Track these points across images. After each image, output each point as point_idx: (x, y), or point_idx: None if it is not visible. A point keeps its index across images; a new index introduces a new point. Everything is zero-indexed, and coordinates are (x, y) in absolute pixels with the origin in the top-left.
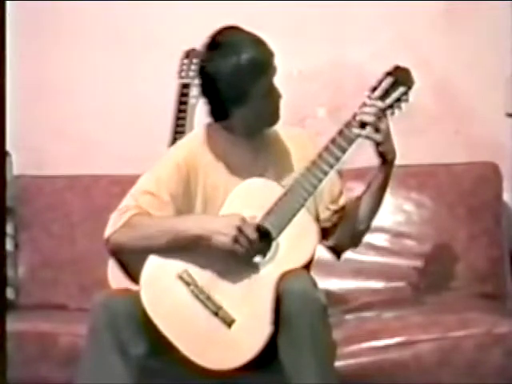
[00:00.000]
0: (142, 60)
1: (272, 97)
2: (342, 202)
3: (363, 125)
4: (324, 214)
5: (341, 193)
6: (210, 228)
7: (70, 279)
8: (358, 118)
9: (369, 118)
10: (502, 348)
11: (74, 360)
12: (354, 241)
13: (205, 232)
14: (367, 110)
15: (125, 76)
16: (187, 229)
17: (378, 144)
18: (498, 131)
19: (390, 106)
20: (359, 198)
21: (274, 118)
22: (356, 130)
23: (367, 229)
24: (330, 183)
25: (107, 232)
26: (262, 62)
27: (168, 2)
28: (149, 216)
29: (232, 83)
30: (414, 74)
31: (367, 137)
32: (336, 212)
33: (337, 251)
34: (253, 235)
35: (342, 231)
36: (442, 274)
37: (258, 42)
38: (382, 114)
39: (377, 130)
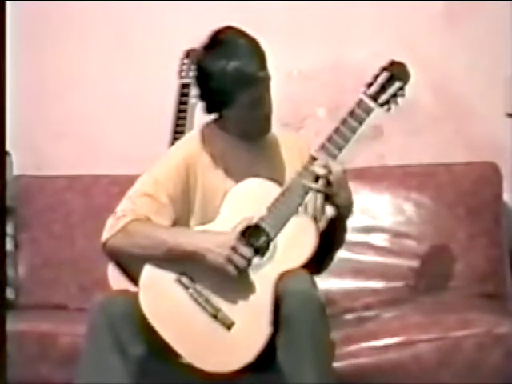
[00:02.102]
0: (142, 60)
1: (258, 109)
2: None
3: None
4: None
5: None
6: (204, 246)
7: (69, 279)
8: (311, 169)
9: (321, 171)
10: (502, 348)
11: (73, 360)
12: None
13: (198, 250)
14: (319, 162)
15: (125, 76)
16: (181, 245)
17: (329, 196)
18: (497, 131)
19: (387, 102)
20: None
21: (261, 129)
22: (308, 184)
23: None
24: (314, 200)
25: (104, 236)
26: (247, 75)
27: (168, 2)
28: (145, 223)
29: (219, 86)
30: (414, 74)
31: (318, 190)
32: None
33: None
34: (248, 254)
35: None
36: (441, 274)
37: (252, 53)
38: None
39: (328, 182)
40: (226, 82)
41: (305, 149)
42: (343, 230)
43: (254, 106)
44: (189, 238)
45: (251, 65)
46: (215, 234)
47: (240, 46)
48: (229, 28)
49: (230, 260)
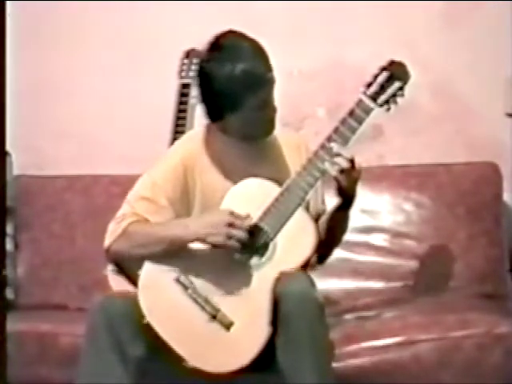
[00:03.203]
0: (142, 60)
1: (264, 110)
2: (320, 221)
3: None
4: None
5: (322, 201)
6: (203, 231)
7: (70, 279)
8: (334, 160)
9: (344, 163)
10: (502, 348)
11: (73, 360)
12: (323, 254)
13: (198, 236)
14: (340, 159)
15: (125, 76)
16: (180, 236)
17: (341, 186)
18: (497, 131)
19: (386, 102)
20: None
21: (265, 130)
22: (325, 167)
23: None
24: (315, 196)
25: (106, 242)
26: (256, 77)
27: (168, 2)
28: (145, 223)
29: (224, 90)
30: (414, 74)
31: (335, 178)
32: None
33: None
34: (243, 224)
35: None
36: (441, 274)
37: (257, 55)
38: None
39: (342, 171)
40: (233, 85)
41: (304, 147)
42: (346, 221)
43: (261, 108)
44: (186, 229)
45: (258, 67)
46: (209, 216)
47: (244, 48)
48: (230, 32)
49: (229, 236)
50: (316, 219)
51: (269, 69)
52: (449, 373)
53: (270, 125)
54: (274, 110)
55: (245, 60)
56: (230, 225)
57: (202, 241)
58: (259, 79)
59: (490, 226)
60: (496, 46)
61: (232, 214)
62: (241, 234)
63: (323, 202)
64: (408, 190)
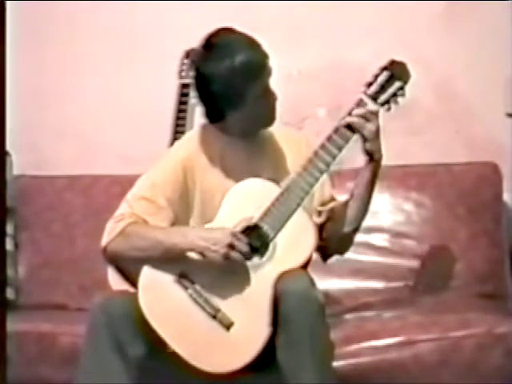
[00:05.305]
0: (141, 60)
1: (267, 99)
2: (330, 205)
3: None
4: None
5: (332, 198)
6: (201, 244)
7: (69, 279)
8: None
9: (359, 113)
10: (502, 348)
11: (73, 360)
12: (342, 244)
13: (195, 248)
14: (358, 111)
15: (125, 76)
16: (177, 244)
17: (365, 141)
18: (497, 131)
19: (387, 102)
20: (347, 202)
21: (269, 119)
22: (348, 119)
23: (355, 231)
24: (320, 185)
25: (103, 241)
26: (256, 65)
27: (168, 2)
28: (143, 225)
29: (226, 85)
30: (415, 74)
31: (356, 128)
32: (321, 214)
33: (324, 254)
34: (245, 249)
35: (329, 234)
36: (441, 274)
37: (252, 45)
38: (371, 114)
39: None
40: (234, 80)
41: (304, 143)
42: (373, 187)
43: (264, 97)
44: (185, 238)
45: (256, 55)
46: (211, 232)
47: (238, 41)
48: (220, 30)
49: (227, 257)
50: (321, 212)
51: (265, 56)
52: (449, 373)
53: (272, 113)
54: (274, 97)
55: (241, 51)
56: (231, 246)
57: (199, 253)
58: (259, 67)
59: (490, 225)
60: (496, 46)
61: (234, 235)
62: (240, 258)
63: (332, 198)
64: (408, 189)
